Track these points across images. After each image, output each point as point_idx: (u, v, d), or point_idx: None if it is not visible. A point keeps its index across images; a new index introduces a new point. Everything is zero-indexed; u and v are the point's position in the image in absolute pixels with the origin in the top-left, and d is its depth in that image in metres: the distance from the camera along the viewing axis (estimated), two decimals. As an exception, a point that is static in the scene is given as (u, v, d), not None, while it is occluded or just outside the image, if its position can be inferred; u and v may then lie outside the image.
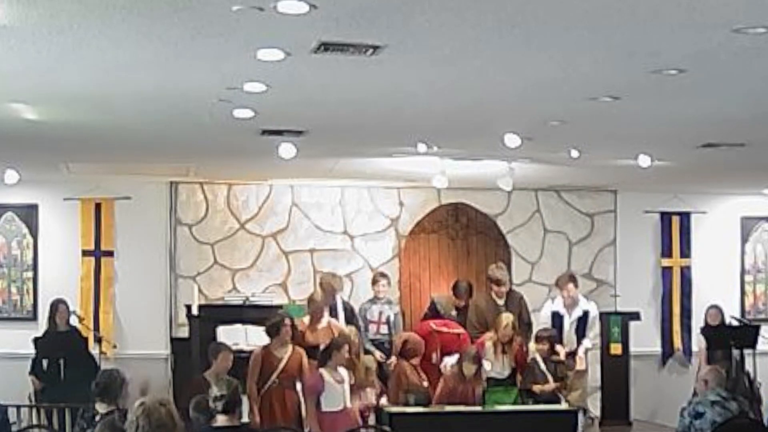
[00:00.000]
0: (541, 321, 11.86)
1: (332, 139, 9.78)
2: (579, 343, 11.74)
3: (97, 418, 7.06)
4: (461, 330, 11.58)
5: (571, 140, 9.63)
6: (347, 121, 8.74)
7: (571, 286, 11.85)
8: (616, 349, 12.95)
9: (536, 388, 11.00)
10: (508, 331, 11.05)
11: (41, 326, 12.42)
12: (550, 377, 11.07)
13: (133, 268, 13.01)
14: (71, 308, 12.29)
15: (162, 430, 5.17)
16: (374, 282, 12.29)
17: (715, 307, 12.97)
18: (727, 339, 12.17)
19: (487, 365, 10.81)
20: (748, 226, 14.42)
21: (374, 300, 12.17)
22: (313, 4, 5.12)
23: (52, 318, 12.00)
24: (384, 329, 11.96)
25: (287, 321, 9.93)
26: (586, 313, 11.85)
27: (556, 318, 11.70)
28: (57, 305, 12.06)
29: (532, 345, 11.37)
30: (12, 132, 8.93)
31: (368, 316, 11.96)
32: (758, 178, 12.57)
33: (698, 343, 13.10)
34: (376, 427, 9.71)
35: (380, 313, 12.01)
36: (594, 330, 11.96)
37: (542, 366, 11.11)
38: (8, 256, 13.05)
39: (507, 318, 11.15)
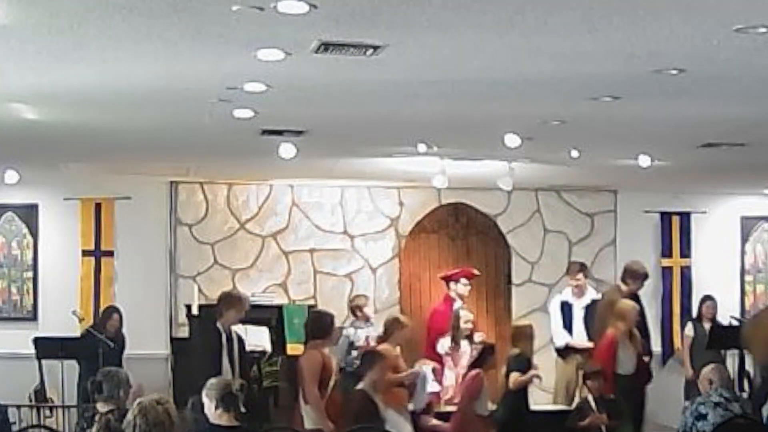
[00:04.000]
0: (549, 312, 11.79)
1: (332, 139, 9.78)
2: (590, 336, 11.55)
3: (97, 417, 7.07)
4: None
5: (571, 140, 9.63)
6: (347, 121, 8.73)
7: (581, 275, 11.82)
8: (616, 349, 12.95)
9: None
10: (636, 318, 10.67)
11: (41, 326, 12.44)
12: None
13: (133, 268, 13.01)
14: (74, 309, 12.32)
15: (158, 428, 5.18)
16: (360, 307, 11.40)
17: (710, 298, 12.95)
18: (727, 339, 12.17)
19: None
20: (748, 226, 14.42)
21: (356, 324, 11.31)
22: (313, 4, 5.12)
23: (102, 324, 11.96)
24: None
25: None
26: (594, 302, 11.74)
27: (565, 307, 11.62)
28: (111, 314, 12.07)
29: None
30: (12, 132, 8.93)
31: (356, 342, 11.07)
32: (758, 178, 12.56)
33: (686, 330, 13.05)
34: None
35: (367, 337, 11.08)
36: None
37: (593, 406, 10.16)
38: (8, 256, 13.06)
39: (632, 303, 10.81)
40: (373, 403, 8.83)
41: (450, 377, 10.74)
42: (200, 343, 9.68)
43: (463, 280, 11.74)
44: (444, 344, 10.92)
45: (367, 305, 11.36)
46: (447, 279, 11.94)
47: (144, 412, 5.21)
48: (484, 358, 9.85)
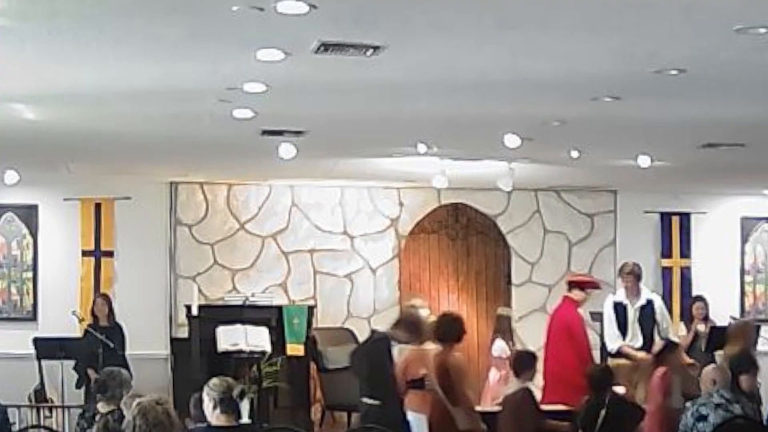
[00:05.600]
0: (603, 314, 11.36)
1: (332, 139, 9.77)
2: (645, 337, 11.04)
3: (98, 417, 7.08)
4: None
5: (571, 140, 9.63)
6: (347, 121, 8.73)
7: (632, 277, 11.34)
8: (616, 348, 12.91)
9: None
10: None
11: (41, 326, 12.43)
12: None
13: (133, 268, 13.01)
14: (74, 309, 12.32)
15: (158, 429, 5.17)
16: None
17: (701, 299, 12.83)
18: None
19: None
20: (748, 226, 14.42)
21: None
22: (313, 4, 5.12)
23: (93, 315, 12.00)
24: None
25: None
26: (650, 302, 11.25)
27: (619, 308, 11.15)
28: (95, 301, 12.10)
29: None
30: (12, 132, 8.94)
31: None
32: (758, 178, 12.56)
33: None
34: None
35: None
36: (666, 322, 11.26)
37: None
38: (8, 256, 13.05)
39: None
40: (535, 401, 8.87)
41: (493, 378, 10.62)
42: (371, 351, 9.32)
43: (589, 290, 11.43)
44: (500, 347, 10.70)
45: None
46: (577, 284, 11.50)
47: (144, 413, 5.20)
48: (664, 355, 9.77)
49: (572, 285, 11.43)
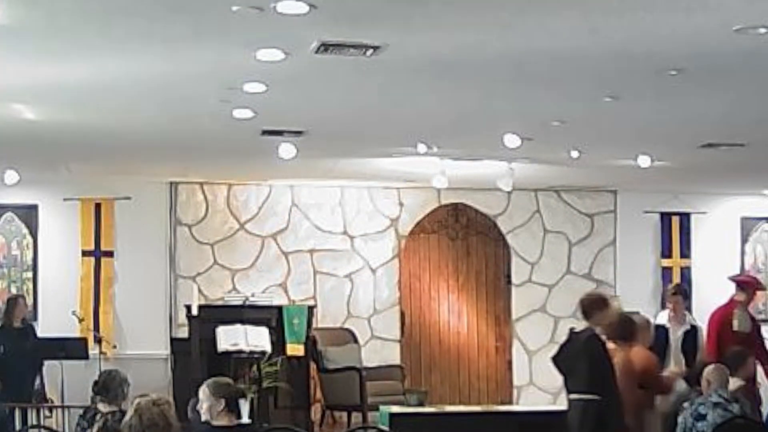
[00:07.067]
0: None
1: (332, 139, 9.78)
2: (689, 367, 10.15)
3: (98, 417, 7.08)
4: None
5: (571, 140, 9.63)
6: (347, 121, 8.74)
7: (679, 298, 10.72)
8: (616, 349, 12.89)
9: None
10: None
11: (41, 326, 12.42)
12: None
13: (133, 268, 13.00)
14: (73, 309, 12.31)
15: (153, 429, 5.15)
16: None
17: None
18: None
19: None
20: (748, 226, 14.42)
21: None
22: (313, 4, 5.13)
23: (8, 313, 11.71)
24: None
25: None
26: (694, 328, 10.56)
27: (660, 331, 10.35)
28: (16, 300, 11.96)
29: None
30: (12, 132, 8.94)
31: None
32: (758, 178, 12.57)
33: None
34: (376, 428, 9.70)
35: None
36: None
37: None
38: (8, 256, 13.04)
39: None
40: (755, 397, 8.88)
41: None
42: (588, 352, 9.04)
43: (750, 289, 10.90)
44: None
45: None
46: (738, 284, 11.03)
47: (139, 413, 5.18)
48: None
49: (737, 285, 10.92)
